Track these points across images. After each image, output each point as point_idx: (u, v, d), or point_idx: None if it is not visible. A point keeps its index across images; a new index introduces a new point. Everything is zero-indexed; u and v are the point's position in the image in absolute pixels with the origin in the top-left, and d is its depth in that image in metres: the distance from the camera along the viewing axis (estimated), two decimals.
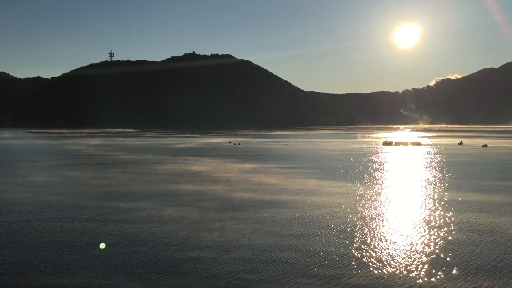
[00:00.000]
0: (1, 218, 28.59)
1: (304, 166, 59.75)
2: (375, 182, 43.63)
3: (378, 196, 36.08)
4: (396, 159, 71.06)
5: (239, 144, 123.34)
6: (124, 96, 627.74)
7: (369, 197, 35.52)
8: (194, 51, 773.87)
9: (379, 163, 64.38)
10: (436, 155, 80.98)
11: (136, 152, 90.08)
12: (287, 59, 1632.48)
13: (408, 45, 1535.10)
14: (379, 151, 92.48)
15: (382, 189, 39.61)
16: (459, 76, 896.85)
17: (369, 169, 55.50)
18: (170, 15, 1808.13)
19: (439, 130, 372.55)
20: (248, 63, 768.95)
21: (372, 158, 75.03)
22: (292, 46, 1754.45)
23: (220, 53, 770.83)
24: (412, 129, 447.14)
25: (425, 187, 41.10)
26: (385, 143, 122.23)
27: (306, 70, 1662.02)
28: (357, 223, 27.39)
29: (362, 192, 38.23)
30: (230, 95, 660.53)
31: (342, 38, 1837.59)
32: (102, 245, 24.35)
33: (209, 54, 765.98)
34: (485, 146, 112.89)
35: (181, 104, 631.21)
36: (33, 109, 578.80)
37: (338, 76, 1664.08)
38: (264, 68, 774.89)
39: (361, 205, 32.59)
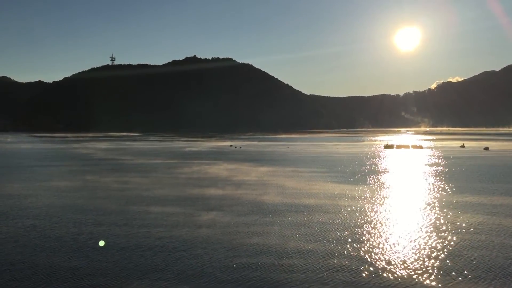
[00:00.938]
0: (33, 222, 27.95)
1: (319, 170, 59.59)
2: (391, 187, 44.01)
3: (402, 201, 36.06)
4: (402, 163, 70.97)
5: (240, 147, 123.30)
6: (126, 100, 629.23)
7: (393, 202, 35.55)
8: (195, 55, 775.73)
9: (386, 167, 64.54)
10: (438, 158, 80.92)
11: (146, 156, 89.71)
12: (288, 62, 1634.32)
13: (409, 48, 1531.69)
14: (382, 155, 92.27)
15: (403, 193, 39.81)
16: (460, 79, 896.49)
17: (382, 173, 55.91)
18: (171, 19, 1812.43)
19: (441, 133, 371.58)
20: (249, 66, 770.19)
21: (379, 161, 75.35)
22: (292, 49, 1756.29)
23: (221, 57, 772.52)
24: (414, 132, 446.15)
25: (435, 190, 41.26)
26: (386, 146, 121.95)
27: (307, 73, 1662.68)
28: (399, 228, 27.05)
29: (384, 196, 38.24)
30: (230, 99, 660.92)
31: (343, 42, 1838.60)
32: (101, 243, 23.55)
33: (210, 58, 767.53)
34: (486, 148, 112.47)
35: (182, 108, 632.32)
36: (35, 113, 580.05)
37: (339, 79, 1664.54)
38: (265, 71, 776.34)
39: (390, 209, 32.48)
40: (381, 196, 38.17)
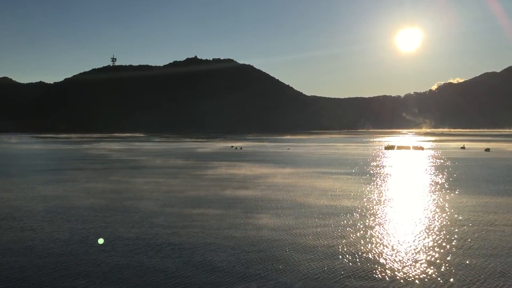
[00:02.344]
0: (83, 226, 27.51)
1: (340, 171, 59.69)
2: (421, 190, 44.11)
3: (443, 203, 36.01)
4: (417, 165, 70.92)
5: (241, 148, 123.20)
6: (127, 101, 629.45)
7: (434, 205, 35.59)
8: (196, 56, 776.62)
9: (403, 169, 64.42)
10: (439, 159, 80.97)
11: (162, 157, 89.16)
12: (288, 63, 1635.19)
13: (410, 49, 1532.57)
14: (392, 156, 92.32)
15: (437, 196, 39.79)
16: (461, 80, 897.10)
17: (398, 175, 56.40)
18: (172, 20, 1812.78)
19: (442, 134, 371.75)
20: (249, 67, 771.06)
21: (393, 163, 75.44)
22: (293, 50, 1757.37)
23: (222, 58, 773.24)
24: (415, 133, 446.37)
25: (440, 191, 41.11)
26: (387, 147, 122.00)
27: (307, 74, 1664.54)
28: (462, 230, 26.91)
29: (433, 198, 38.21)
30: (231, 100, 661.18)
31: (344, 43, 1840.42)
32: (101, 241, 23.10)
33: (211, 59, 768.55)
34: (487, 150, 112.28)
35: (183, 109, 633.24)
36: (36, 114, 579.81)
37: (340, 80, 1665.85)
38: (266, 72, 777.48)
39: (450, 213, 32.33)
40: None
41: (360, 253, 21.48)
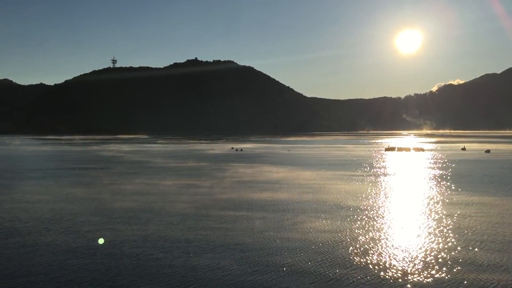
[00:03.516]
0: (127, 227, 27.16)
1: (356, 173, 59.72)
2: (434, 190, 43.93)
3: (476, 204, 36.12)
4: (424, 166, 70.88)
5: (241, 150, 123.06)
6: (127, 102, 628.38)
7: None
8: (196, 57, 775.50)
9: (413, 170, 64.61)
10: (439, 161, 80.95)
11: (177, 159, 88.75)
12: (289, 65, 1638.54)
13: (410, 51, 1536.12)
14: (396, 157, 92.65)
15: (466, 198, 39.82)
16: (461, 82, 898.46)
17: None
18: (172, 22, 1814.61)
19: (442, 136, 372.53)
20: (250, 69, 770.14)
21: (398, 164, 75.49)
22: (294, 52, 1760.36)
23: (222, 59, 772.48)
24: (415, 134, 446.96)
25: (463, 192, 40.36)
26: (387, 149, 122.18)
27: (308, 76, 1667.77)
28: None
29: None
30: (232, 101, 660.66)
31: (344, 44, 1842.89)
32: (101, 241, 22.67)
33: (212, 60, 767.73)
34: (488, 151, 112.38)
35: (183, 110, 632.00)
36: (36, 116, 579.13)
37: (340, 81, 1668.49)
38: (266, 74, 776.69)
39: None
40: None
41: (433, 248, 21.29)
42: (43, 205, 35.10)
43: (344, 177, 54.74)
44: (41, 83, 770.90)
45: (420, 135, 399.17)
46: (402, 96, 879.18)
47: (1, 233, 26.23)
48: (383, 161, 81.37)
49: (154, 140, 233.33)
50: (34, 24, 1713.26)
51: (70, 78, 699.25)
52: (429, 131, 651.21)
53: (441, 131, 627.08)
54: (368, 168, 67.46)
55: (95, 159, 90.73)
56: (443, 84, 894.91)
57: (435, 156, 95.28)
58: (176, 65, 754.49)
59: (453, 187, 45.02)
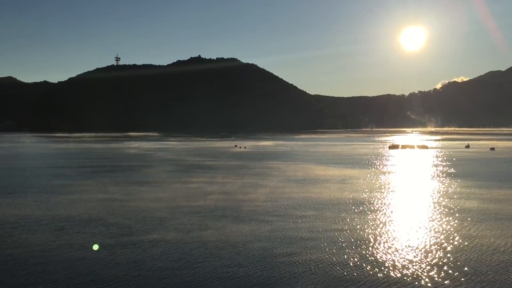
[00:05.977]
0: (193, 226, 26.62)
1: (384, 171, 59.02)
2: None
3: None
4: (440, 166, 70.20)
5: (245, 147, 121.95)
6: (131, 100, 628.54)
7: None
8: (199, 55, 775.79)
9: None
10: (444, 158, 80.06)
11: (205, 156, 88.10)
12: (292, 62, 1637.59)
13: (414, 48, 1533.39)
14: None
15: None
16: (465, 79, 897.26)
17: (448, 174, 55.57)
18: (176, 20, 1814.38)
19: (446, 133, 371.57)
20: (253, 66, 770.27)
21: (408, 161, 75.19)
22: (297, 49, 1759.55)
23: (225, 57, 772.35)
24: (419, 132, 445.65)
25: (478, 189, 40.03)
26: (391, 147, 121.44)
27: (311, 73, 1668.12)
28: None
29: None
30: (235, 99, 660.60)
31: (347, 41, 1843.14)
32: (95, 247, 22.09)
33: (215, 58, 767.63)
34: (492, 149, 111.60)
35: (187, 108, 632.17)
36: (40, 113, 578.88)
37: (344, 79, 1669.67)
38: (270, 71, 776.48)
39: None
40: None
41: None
42: (131, 203, 33.73)
43: (392, 175, 54.67)
44: (45, 81, 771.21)
45: (425, 133, 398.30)
46: (406, 94, 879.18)
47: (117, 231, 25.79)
48: (400, 159, 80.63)
49: (165, 138, 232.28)
50: (38, 22, 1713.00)
51: (74, 76, 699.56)
52: (433, 129, 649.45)
53: (446, 129, 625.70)
54: (376, 166, 67.11)
55: (126, 157, 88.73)
56: (448, 81, 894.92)
57: (440, 154, 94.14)
58: (179, 62, 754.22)
59: (469, 184, 45.18)
